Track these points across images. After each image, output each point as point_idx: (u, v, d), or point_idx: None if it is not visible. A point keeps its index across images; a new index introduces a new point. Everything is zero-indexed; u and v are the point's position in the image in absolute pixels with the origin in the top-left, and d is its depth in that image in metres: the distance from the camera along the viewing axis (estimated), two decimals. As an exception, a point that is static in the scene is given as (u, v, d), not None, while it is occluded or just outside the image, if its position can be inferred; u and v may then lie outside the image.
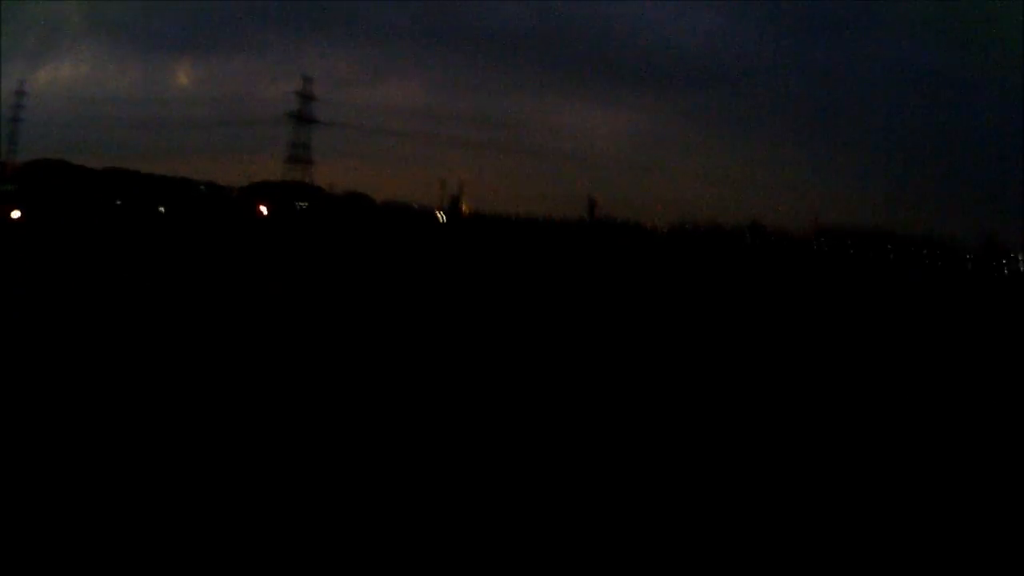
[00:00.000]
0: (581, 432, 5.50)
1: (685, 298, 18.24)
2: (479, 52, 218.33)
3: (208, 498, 3.76)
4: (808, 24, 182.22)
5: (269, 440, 4.74)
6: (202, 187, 69.57)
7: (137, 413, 5.09)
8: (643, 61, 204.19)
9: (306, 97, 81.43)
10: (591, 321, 12.27)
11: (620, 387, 7.14)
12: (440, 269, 21.66)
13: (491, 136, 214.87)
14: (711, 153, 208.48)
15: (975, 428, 6.55)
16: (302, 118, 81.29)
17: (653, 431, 5.68)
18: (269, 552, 3.26)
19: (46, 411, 5.02)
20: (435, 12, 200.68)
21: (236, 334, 8.44)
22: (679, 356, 9.35)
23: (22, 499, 3.63)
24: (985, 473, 5.22)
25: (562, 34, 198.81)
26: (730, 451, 5.24)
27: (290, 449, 4.60)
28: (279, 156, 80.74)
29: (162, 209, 49.49)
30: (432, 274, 19.58)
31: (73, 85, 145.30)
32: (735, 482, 4.59)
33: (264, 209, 62.31)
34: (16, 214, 28.09)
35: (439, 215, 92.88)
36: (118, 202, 48.67)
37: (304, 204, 72.38)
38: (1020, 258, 78.17)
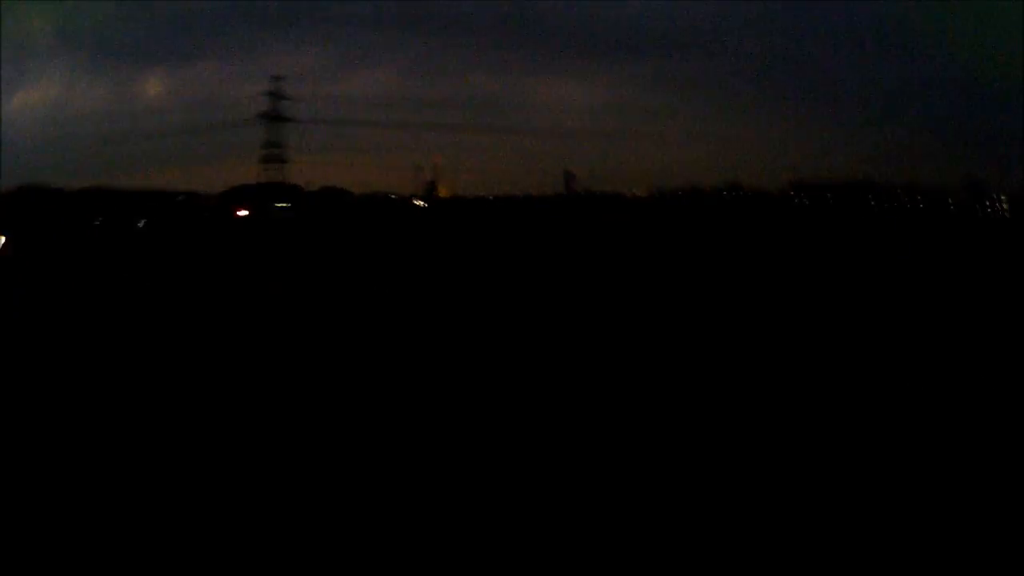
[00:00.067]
0: (561, 415, 5.75)
1: (659, 277, 17.51)
2: (448, 35, 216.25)
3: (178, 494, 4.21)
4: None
5: (252, 439, 5.31)
6: (180, 197, 70.61)
7: (124, 413, 6.08)
8: (613, 31, 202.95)
9: (276, 96, 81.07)
10: (563, 307, 12.38)
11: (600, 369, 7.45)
12: (416, 261, 21.86)
13: (467, 118, 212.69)
14: (687, 117, 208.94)
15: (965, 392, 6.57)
16: (274, 118, 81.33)
17: (637, 411, 5.87)
18: (251, 546, 3.51)
19: (29, 414, 6.04)
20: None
21: (212, 339, 9.31)
22: (655, 338, 9.42)
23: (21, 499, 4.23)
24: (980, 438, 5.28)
25: (531, 10, 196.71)
26: (717, 429, 5.41)
27: (277, 446, 5.11)
28: (255, 158, 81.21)
29: (140, 224, 50.46)
30: (407, 266, 19.86)
31: (45, 107, 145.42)
32: (716, 456, 4.75)
33: (242, 213, 63.51)
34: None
35: (418, 203, 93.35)
36: (97, 222, 49.60)
37: (283, 204, 73.10)
38: (1003, 199, 74.95)
